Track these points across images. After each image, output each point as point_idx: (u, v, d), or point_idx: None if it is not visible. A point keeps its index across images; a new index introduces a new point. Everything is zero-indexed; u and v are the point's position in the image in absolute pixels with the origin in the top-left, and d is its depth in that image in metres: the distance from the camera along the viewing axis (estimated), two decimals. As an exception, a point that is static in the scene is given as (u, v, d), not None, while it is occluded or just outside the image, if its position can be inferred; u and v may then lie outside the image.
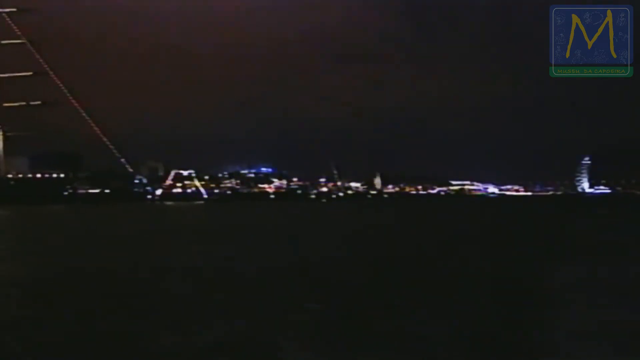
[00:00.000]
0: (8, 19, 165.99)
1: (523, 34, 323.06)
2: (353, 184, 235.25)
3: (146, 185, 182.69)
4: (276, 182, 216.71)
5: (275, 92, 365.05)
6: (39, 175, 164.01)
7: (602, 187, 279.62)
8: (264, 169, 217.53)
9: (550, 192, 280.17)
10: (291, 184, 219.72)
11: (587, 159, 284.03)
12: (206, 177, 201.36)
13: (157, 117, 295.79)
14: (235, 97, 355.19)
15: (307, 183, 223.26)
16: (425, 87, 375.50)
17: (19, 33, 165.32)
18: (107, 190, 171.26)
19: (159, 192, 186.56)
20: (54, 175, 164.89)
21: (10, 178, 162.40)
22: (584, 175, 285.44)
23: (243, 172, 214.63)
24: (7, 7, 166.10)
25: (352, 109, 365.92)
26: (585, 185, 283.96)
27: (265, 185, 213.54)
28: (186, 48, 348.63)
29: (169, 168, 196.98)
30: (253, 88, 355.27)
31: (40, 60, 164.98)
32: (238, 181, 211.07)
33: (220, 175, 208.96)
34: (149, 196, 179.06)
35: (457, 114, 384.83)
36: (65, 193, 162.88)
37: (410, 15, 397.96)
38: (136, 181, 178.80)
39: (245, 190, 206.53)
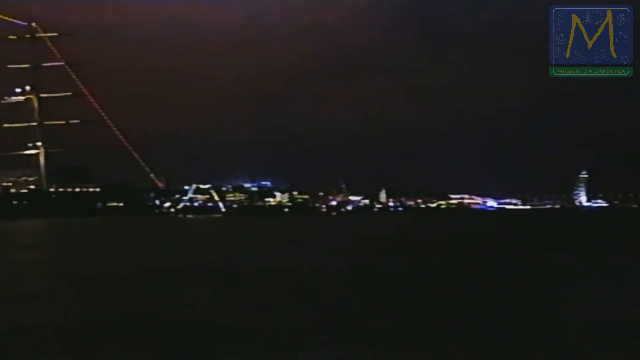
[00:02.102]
0: (50, 43, 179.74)
1: (523, 35, 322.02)
2: (353, 197, 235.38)
3: (155, 198, 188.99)
4: (279, 195, 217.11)
5: (276, 106, 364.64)
6: (77, 190, 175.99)
7: (599, 200, 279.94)
8: (263, 182, 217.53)
9: (548, 206, 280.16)
10: (294, 197, 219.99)
11: (584, 172, 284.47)
12: (211, 191, 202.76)
13: (160, 131, 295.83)
14: (237, 110, 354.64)
15: (309, 196, 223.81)
16: (424, 100, 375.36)
17: (59, 56, 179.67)
18: (121, 204, 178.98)
19: (180, 205, 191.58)
20: (91, 190, 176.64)
21: (52, 192, 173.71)
22: (581, 189, 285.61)
23: (247, 185, 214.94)
24: (50, 32, 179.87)
25: (356, 123, 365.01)
26: (583, 199, 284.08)
27: (271, 199, 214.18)
28: (195, 66, 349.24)
29: (170, 182, 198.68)
30: (255, 102, 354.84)
31: (78, 82, 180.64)
32: (242, 195, 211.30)
33: (224, 188, 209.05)
34: (172, 209, 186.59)
35: (456, 127, 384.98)
36: (99, 205, 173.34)
37: (410, 30, 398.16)
38: (152, 195, 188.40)
39: (259, 204, 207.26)
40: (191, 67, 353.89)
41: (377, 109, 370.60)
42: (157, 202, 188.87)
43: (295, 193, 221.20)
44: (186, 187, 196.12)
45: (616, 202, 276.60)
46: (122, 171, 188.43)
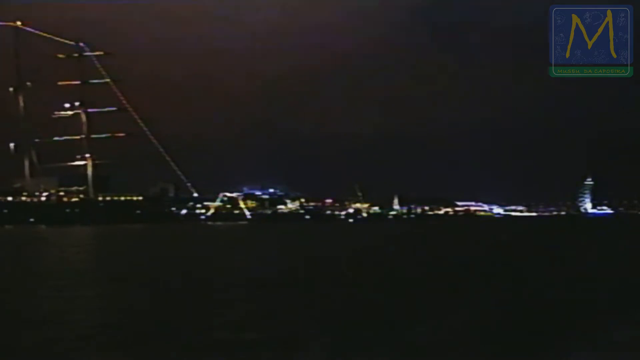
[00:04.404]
0: (96, 62, 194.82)
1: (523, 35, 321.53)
2: (359, 205, 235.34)
3: (171, 205, 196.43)
4: (290, 203, 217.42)
5: (283, 114, 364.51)
6: (122, 198, 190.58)
7: (604, 207, 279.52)
8: (271, 190, 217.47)
9: (554, 213, 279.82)
10: (306, 205, 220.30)
11: (589, 179, 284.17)
12: (224, 199, 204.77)
13: (169, 137, 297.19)
14: (244, 118, 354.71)
15: (320, 204, 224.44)
16: (426, 107, 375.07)
17: (104, 73, 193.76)
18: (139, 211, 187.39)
19: (209, 212, 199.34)
20: (134, 198, 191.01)
21: (100, 200, 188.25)
22: (586, 196, 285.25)
23: (258, 193, 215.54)
24: (96, 51, 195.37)
25: (364, 131, 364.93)
26: (588, 206, 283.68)
27: (282, 207, 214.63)
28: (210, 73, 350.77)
29: (179, 189, 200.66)
30: (263, 109, 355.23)
31: (122, 98, 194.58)
32: (254, 202, 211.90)
33: (235, 196, 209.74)
34: (202, 216, 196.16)
35: (458, 134, 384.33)
36: (138, 211, 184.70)
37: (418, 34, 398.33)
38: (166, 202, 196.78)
39: (278, 212, 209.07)
40: (200, 72, 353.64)
41: (382, 115, 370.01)
42: (174, 209, 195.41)
43: (302, 200, 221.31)
44: (195, 195, 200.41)
45: (621, 208, 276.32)
46: (158, 180, 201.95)
